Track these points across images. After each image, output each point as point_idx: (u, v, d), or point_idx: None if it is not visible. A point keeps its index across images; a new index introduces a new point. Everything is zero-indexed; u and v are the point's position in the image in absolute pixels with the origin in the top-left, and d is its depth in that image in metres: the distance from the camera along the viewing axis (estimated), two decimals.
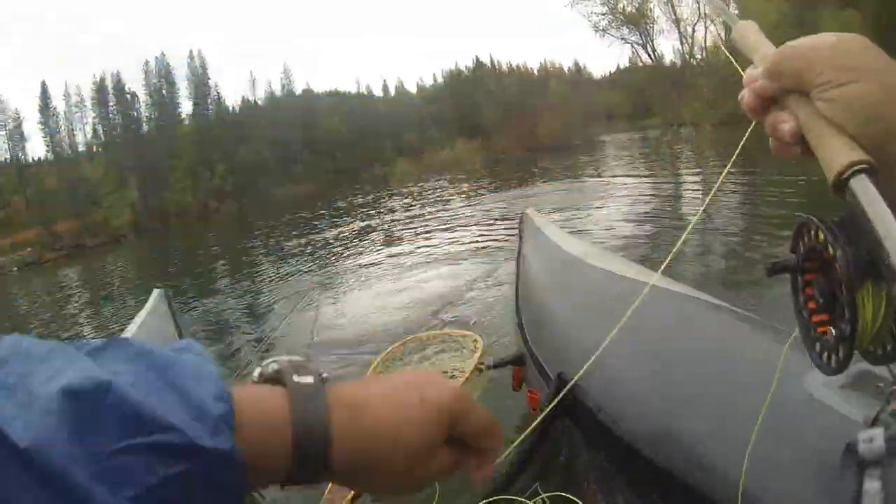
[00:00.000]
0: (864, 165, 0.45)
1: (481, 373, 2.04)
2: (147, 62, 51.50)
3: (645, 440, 1.25)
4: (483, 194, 14.80)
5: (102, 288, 13.54)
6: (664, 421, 1.29)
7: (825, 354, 0.53)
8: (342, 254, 8.64)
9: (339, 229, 12.71)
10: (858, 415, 0.95)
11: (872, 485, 0.81)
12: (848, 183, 0.45)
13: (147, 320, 2.85)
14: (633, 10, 40.50)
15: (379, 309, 4.97)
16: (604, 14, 40.68)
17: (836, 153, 0.47)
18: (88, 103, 49.05)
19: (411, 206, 15.31)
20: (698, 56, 40.24)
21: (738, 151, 0.69)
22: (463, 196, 15.11)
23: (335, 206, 20.98)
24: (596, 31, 40.97)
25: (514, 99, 43.58)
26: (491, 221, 9.11)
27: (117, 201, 42.94)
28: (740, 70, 0.60)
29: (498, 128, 43.09)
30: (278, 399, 0.37)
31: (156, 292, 3.26)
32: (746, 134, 0.59)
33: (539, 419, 1.51)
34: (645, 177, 12.93)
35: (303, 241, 12.06)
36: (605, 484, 1.38)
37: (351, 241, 10.04)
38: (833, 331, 0.52)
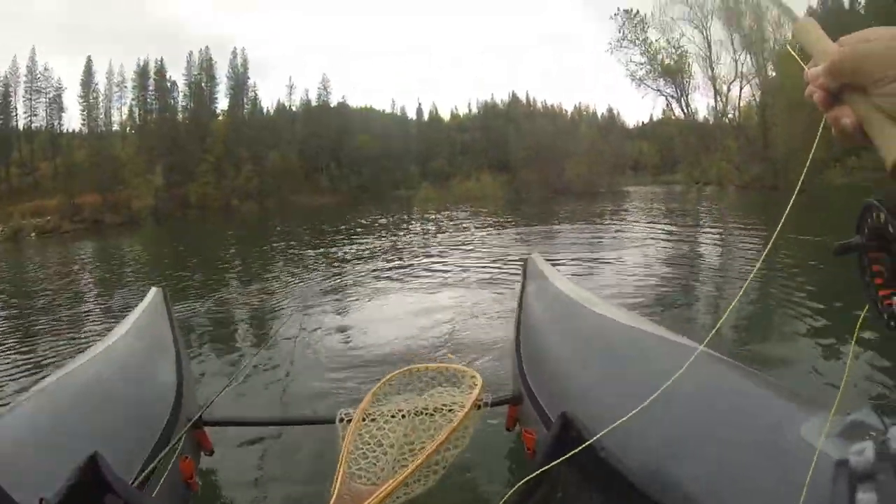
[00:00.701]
0: None
1: (479, 409, 2.03)
2: (191, 53, 52.89)
3: (646, 483, 1.24)
4: (502, 231, 14.75)
5: (112, 269, 13.65)
6: (665, 465, 1.29)
7: (893, 322, 0.58)
8: (353, 270, 8.63)
9: (356, 246, 12.70)
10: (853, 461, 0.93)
11: (867, 496, 0.83)
12: None
13: (141, 318, 2.81)
14: (672, 63, 40.85)
15: (379, 333, 4.94)
16: (642, 64, 41.15)
17: (894, 143, 0.51)
18: (129, 84, 50.08)
19: (430, 232, 15.32)
20: (731, 115, 40.32)
21: (786, 213, 0.72)
22: (482, 230, 15.06)
23: (356, 222, 21.05)
24: (633, 80, 41.42)
25: (545, 139, 43.53)
26: (502, 259, 9.09)
27: (142, 184, 43.46)
28: (805, 67, 0.64)
29: (525, 165, 43.01)
30: None
31: (153, 290, 3.21)
32: (818, 136, 0.64)
33: (542, 460, 1.50)
34: (666, 234, 12.84)
35: (319, 251, 12.10)
36: None
37: (364, 260, 10.03)
38: None
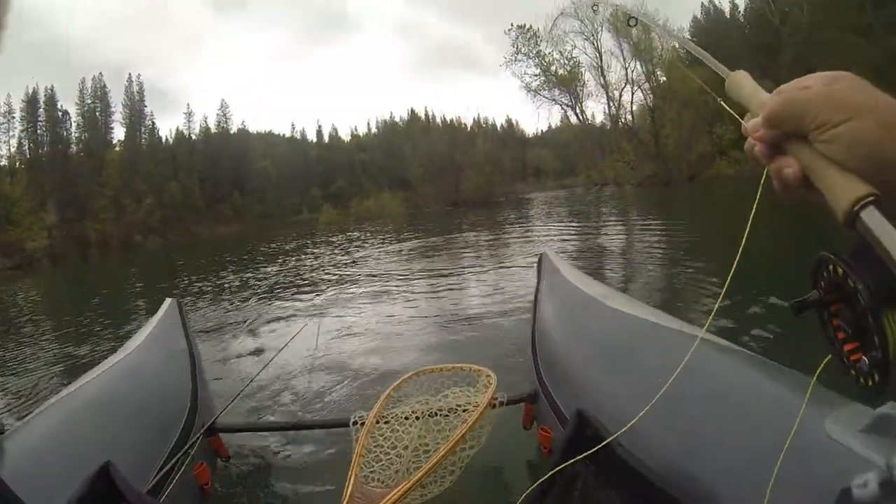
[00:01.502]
0: (870, 198, 0.47)
1: (494, 408, 2.03)
2: (83, 80, 50.27)
3: (663, 480, 1.22)
4: (400, 246, 15.40)
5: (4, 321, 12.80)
6: (683, 461, 1.27)
7: (861, 380, 0.55)
8: (260, 299, 8.68)
9: (264, 272, 12.90)
10: (879, 458, 0.93)
11: None
12: (858, 216, 0.47)
13: (157, 328, 2.83)
14: (565, 73, 43.10)
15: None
16: (536, 75, 43.24)
17: (842, 190, 0.49)
18: (17, 115, 47.12)
19: (334, 253, 15.63)
20: (624, 119, 43.06)
21: (755, 206, 0.73)
22: (380, 247, 15.68)
23: (261, 250, 20.98)
24: (528, 91, 43.43)
25: (440, 153, 44.59)
26: (392, 274, 9.51)
27: (35, 223, 41.30)
28: (742, 120, 0.64)
29: (423, 181, 43.96)
30: None
31: (168, 301, 3.26)
32: (759, 189, 0.62)
33: (559, 458, 1.47)
34: (558, 233, 13.89)
35: (228, 282, 12.12)
36: None
37: (270, 287, 10.21)
38: (865, 359, 0.54)
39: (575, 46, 44.71)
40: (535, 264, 3.31)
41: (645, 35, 40.66)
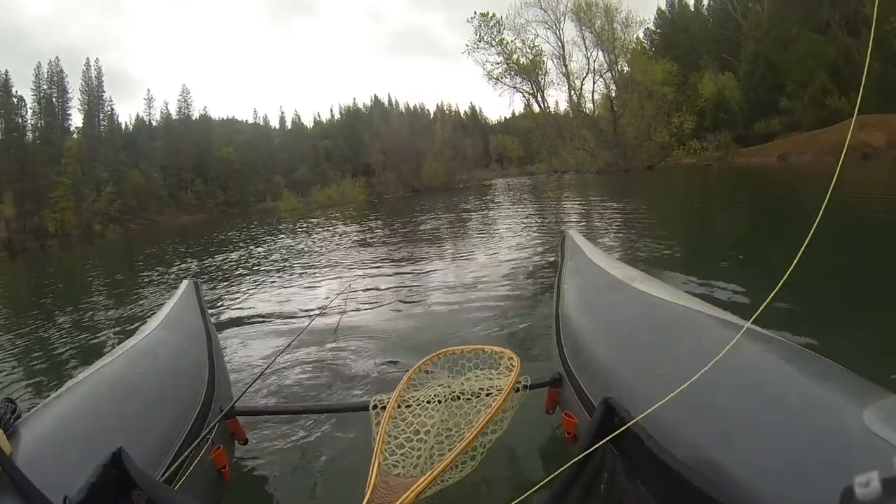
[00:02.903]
0: None
1: (518, 392, 1.98)
2: (39, 65, 49.00)
3: (691, 470, 1.18)
4: (360, 232, 15.71)
5: None
6: (714, 453, 1.22)
7: None
8: (225, 286, 8.88)
9: (227, 259, 13.02)
10: None
11: None
12: None
13: (174, 310, 2.80)
14: (527, 62, 43.74)
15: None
16: (498, 63, 43.83)
17: None
18: None
19: (297, 241, 15.79)
20: (586, 107, 44.02)
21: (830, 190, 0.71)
22: (341, 234, 15.99)
23: (222, 239, 20.98)
24: (490, 78, 43.98)
25: (401, 140, 44.71)
26: (339, 263, 9.73)
27: None
28: None
29: (383, 167, 44.10)
30: None
31: (185, 282, 3.26)
32: (835, 177, 0.62)
33: (585, 446, 1.45)
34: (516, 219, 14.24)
35: (192, 270, 12.17)
36: None
37: (234, 274, 10.33)
38: None
39: (537, 35, 45.54)
40: (559, 244, 3.23)
41: (608, 25, 41.72)
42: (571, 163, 41.53)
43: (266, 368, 3.01)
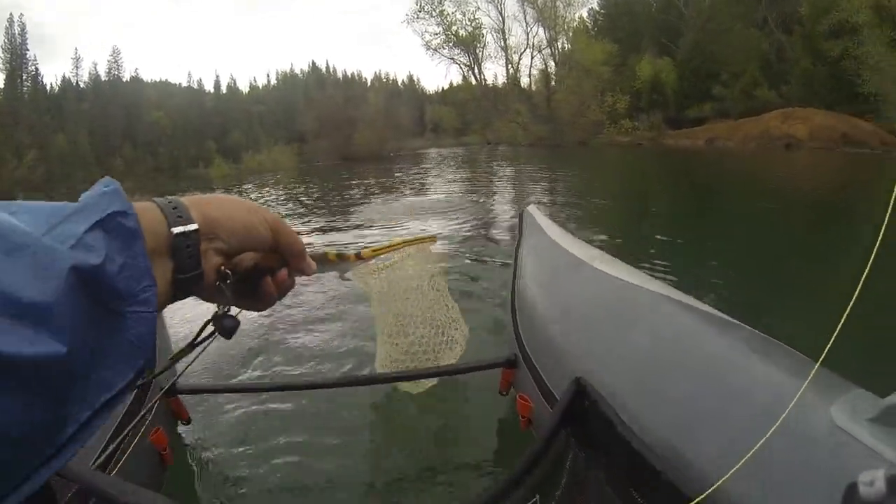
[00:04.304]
0: None
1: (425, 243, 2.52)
2: None
3: (652, 454, 1.19)
4: (290, 199, 16.37)
5: None
6: (673, 435, 1.22)
7: None
8: None
9: None
10: (888, 451, 0.90)
11: None
12: None
13: None
14: (467, 34, 44.37)
15: None
16: (437, 34, 44.29)
17: None
18: None
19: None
20: (524, 82, 45.02)
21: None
22: (275, 200, 16.49)
23: None
24: (428, 49, 44.40)
25: (334, 107, 44.56)
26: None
27: None
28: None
29: (315, 135, 44.08)
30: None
31: None
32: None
33: (550, 428, 1.44)
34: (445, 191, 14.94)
35: None
36: (609, 497, 1.33)
37: None
38: None
39: (479, 8, 46.18)
40: (517, 219, 3.22)
41: (551, 2, 42.54)
42: (505, 135, 42.50)
43: (209, 343, 3.45)
